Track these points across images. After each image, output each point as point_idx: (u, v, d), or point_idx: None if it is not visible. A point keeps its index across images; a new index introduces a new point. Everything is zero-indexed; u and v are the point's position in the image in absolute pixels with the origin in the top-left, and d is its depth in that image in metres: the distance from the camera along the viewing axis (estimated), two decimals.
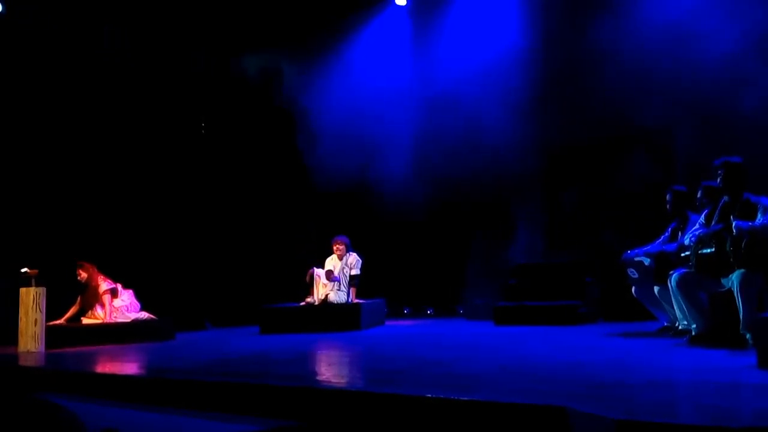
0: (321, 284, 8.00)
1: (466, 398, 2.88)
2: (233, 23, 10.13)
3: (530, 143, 8.54)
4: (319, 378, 4.22)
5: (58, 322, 7.47)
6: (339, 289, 8.05)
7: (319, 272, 8.04)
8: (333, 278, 7.99)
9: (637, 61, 7.41)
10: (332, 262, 8.19)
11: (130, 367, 5.47)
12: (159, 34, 9.95)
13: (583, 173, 8.48)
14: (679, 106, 7.25)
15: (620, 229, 7.64)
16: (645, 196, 7.26)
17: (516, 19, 8.98)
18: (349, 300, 8.05)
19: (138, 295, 7.99)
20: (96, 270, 7.68)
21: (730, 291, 4.63)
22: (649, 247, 5.88)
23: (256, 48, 10.58)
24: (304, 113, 10.24)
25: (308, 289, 8.11)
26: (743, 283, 4.45)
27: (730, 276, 4.60)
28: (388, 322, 8.61)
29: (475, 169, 8.82)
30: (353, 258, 8.21)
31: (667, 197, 5.96)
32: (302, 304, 8.11)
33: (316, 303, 7.98)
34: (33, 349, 6.71)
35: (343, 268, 8.14)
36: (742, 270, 4.48)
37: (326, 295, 7.97)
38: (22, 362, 5.92)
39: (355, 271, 8.16)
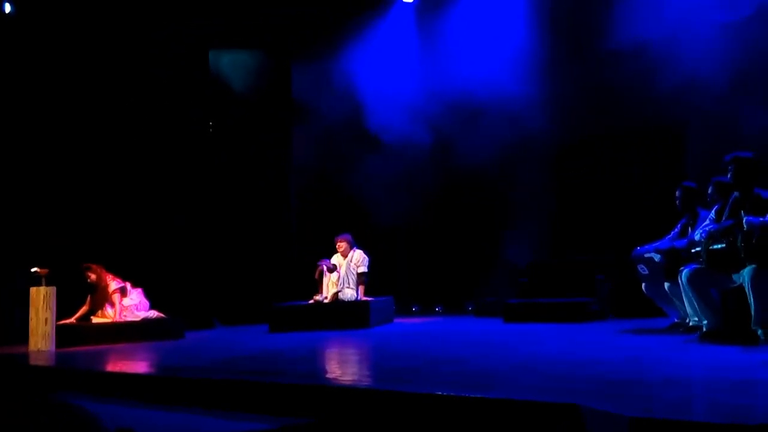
0: (330, 282, 7.99)
1: (479, 396, 2.87)
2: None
3: (540, 139, 8.51)
4: (330, 376, 4.22)
5: (68, 321, 7.50)
6: (348, 287, 8.03)
7: (327, 263, 8.05)
8: (328, 267, 7.99)
9: (650, 56, 7.36)
10: (337, 261, 8.18)
11: (141, 366, 5.48)
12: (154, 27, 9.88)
13: (592, 170, 8.46)
14: (690, 101, 7.21)
15: (630, 225, 7.63)
16: (655, 192, 7.23)
17: (523, 12, 8.96)
18: (358, 298, 8.04)
19: (147, 294, 8.01)
20: (104, 270, 7.70)
21: (741, 287, 4.61)
22: (658, 244, 5.86)
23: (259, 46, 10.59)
24: (309, 110, 10.24)
25: (317, 287, 8.09)
26: (755, 279, 4.43)
27: (742, 272, 4.58)
28: (396, 320, 8.59)
29: (485, 166, 8.80)
30: (358, 255, 8.15)
31: (677, 193, 5.93)
32: (311, 302, 8.09)
33: (327, 300, 7.97)
34: (43, 348, 6.72)
35: (349, 265, 8.12)
36: (754, 265, 4.46)
37: (336, 293, 7.97)
38: (33, 361, 5.93)
39: (362, 269, 8.10)
